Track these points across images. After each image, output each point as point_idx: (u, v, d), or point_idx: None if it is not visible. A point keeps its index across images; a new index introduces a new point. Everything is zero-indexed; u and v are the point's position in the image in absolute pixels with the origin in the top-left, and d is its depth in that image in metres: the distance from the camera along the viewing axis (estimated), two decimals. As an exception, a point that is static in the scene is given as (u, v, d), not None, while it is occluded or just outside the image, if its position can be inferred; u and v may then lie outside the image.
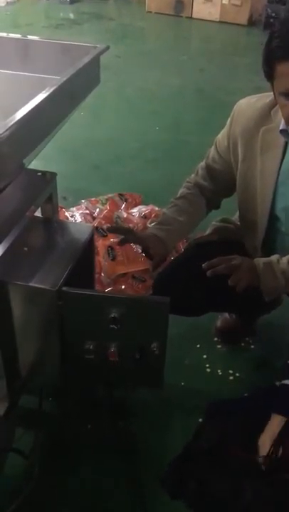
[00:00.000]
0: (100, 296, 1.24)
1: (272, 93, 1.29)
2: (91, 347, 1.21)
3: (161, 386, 1.33)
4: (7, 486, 1.28)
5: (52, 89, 1.12)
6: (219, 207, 1.62)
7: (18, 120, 0.99)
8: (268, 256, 1.35)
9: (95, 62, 1.35)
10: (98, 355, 1.22)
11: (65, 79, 1.17)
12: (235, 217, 1.64)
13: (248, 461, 1.10)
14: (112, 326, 1.17)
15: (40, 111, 1.06)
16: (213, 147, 1.52)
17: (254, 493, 1.04)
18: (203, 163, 1.56)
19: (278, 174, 1.33)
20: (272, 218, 1.40)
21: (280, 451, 1.10)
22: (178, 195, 1.56)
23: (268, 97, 1.33)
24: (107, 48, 1.39)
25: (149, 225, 2.27)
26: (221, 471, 1.12)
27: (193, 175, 1.58)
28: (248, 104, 1.38)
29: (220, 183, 1.52)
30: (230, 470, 1.11)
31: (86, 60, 1.29)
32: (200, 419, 1.50)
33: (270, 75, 1.15)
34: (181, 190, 1.57)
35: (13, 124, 0.97)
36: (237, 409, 1.32)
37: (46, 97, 1.09)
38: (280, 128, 1.27)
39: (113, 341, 1.21)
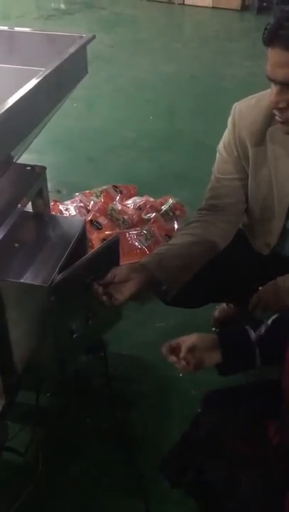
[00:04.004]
0: (77, 266, 1.20)
1: (268, 91, 1.26)
2: (74, 326, 1.25)
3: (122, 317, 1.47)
4: (3, 482, 1.28)
5: (37, 81, 1.10)
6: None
7: (2, 113, 0.97)
8: (279, 252, 1.40)
9: (81, 52, 1.33)
10: (82, 327, 1.26)
11: (50, 70, 1.15)
12: None
13: (245, 452, 1.10)
14: (90, 288, 1.20)
15: (24, 103, 1.04)
16: (218, 162, 1.41)
17: (250, 485, 1.03)
18: (211, 184, 1.43)
19: None
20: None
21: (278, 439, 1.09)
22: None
23: (266, 95, 1.27)
24: (93, 37, 1.36)
25: (144, 217, 2.26)
26: (217, 461, 1.11)
27: (203, 203, 1.43)
28: (249, 107, 1.31)
29: (236, 195, 1.40)
30: (226, 460, 1.10)
31: (72, 50, 1.27)
32: (199, 410, 1.50)
33: None
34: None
35: (-3, 117, 0.95)
36: (235, 399, 1.30)
37: (31, 89, 1.07)
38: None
39: (89, 305, 1.24)
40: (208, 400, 1.42)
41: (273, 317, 1.12)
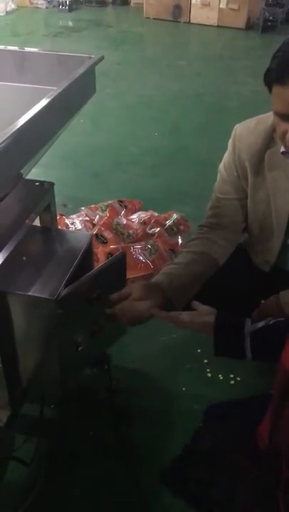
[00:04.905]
0: (84, 280, 1.23)
1: (268, 114, 1.29)
2: (79, 339, 1.26)
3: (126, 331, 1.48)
4: (8, 493, 1.29)
5: (48, 101, 1.14)
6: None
7: (14, 132, 1.01)
8: (281, 267, 1.42)
9: (90, 72, 1.37)
10: (87, 341, 1.28)
11: (60, 90, 1.18)
12: None
13: (244, 465, 1.11)
14: (95, 303, 1.23)
15: (36, 122, 1.07)
16: (219, 181, 1.45)
17: (249, 497, 1.05)
18: (212, 203, 1.47)
19: None
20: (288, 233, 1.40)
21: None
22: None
23: (265, 119, 1.32)
24: (102, 57, 1.40)
25: (148, 231, 2.29)
26: (217, 474, 1.13)
27: (204, 220, 1.48)
28: (248, 130, 1.36)
29: (236, 215, 1.44)
30: (226, 474, 1.11)
31: (81, 70, 1.31)
32: (201, 424, 1.51)
33: (269, 92, 1.14)
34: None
35: (10, 136, 0.99)
36: (236, 412, 1.32)
37: (42, 109, 1.11)
38: (281, 150, 1.27)
39: (95, 319, 1.28)
40: (209, 413, 1.44)
41: (279, 319, 1.14)
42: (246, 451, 1.13)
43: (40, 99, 1.15)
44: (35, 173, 1.43)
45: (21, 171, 1.26)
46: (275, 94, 1.10)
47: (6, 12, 6.99)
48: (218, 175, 1.46)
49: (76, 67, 1.35)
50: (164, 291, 1.26)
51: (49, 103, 1.13)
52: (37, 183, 1.36)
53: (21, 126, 1.03)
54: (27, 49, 1.57)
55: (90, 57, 1.42)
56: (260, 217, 1.40)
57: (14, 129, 1.01)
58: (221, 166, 1.44)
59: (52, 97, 1.15)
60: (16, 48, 1.57)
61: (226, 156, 1.42)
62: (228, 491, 1.08)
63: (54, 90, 1.19)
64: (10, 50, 1.55)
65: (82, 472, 1.43)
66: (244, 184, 1.39)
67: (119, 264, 1.32)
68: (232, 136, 1.39)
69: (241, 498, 1.05)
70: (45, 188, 1.35)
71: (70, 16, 7.05)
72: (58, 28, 6.50)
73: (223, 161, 1.44)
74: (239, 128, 1.38)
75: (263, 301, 1.42)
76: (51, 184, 1.36)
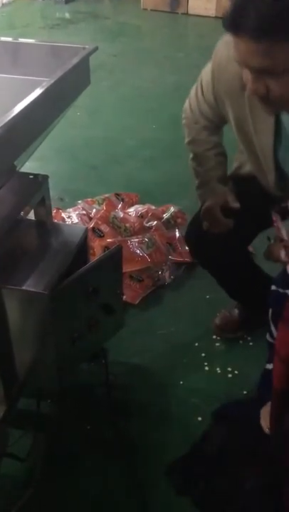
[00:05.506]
0: (79, 274, 1.24)
1: None
2: (76, 334, 1.26)
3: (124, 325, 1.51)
4: (4, 489, 1.28)
5: (40, 92, 1.12)
6: None
7: (7, 122, 0.99)
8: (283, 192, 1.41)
9: (84, 63, 1.35)
10: (84, 335, 1.28)
11: (53, 81, 1.17)
12: None
13: (251, 469, 1.10)
14: (92, 297, 1.25)
15: (29, 113, 1.06)
16: (199, 93, 1.46)
17: (254, 496, 1.05)
18: (193, 104, 1.51)
19: (275, 133, 1.28)
20: (281, 169, 1.37)
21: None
22: (188, 137, 1.55)
23: None
24: (96, 48, 1.38)
25: (145, 225, 2.27)
26: (226, 476, 1.13)
27: (187, 108, 1.55)
28: (229, 59, 1.22)
29: (214, 119, 1.49)
30: (234, 476, 1.11)
31: (75, 61, 1.29)
32: (199, 418, 1.50)
33: None
34: (189, 132, 1.55)
35: (2, 127, 0.97)
36: (245, 413, 1.31)
37: (35, 99, 1.09)
38: None
39: (92, 313, 1.29)
40: (219, 413, 1.43)
41: None
42: (252, 454, 1.13)
43: (33, 90, 1.13)
44: (32, 166, 1.41)
45: (15, 163, 1.24)
46: (234, 41, 1.05)
47: (2, 4, 6.92)
48: (195, 90, 1.48)
49: (70, 58, 1.33)
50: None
51: (42, 93, 1.12)
52: (31, 176, 1.34)
53: (14, 116, 1.01)
54: (20, 40, 1.55)
55: (84, 48, 1.39)
56: (250, 151, 1.39)
57: (6, 120, 0.99)
58: (201, 84, 1.44)
59: (45, 88, 1.13)
60: (9, 39, 1.54)
61: (205, 81, 1.41)
62: (232, 491, 1.08)
63: (47, 81, 1.17)
64: (3, 41, 1.52)
65: (82, 472, 1.42)
66: (224, 113, 1.38)
67: (115, 257, 1.31)
68: (212, 59, 1.35)
69: (246, 498, 1.04)
70: (40, 181, 1.33)
71: (67, 8, 6.96)
72: (55, 20, 6.43)
73: (202, 79, 1.43)
74: (220, 52, 1.31)
75: (272, 241, 1.41)
76: (45, 177, 1.34)
